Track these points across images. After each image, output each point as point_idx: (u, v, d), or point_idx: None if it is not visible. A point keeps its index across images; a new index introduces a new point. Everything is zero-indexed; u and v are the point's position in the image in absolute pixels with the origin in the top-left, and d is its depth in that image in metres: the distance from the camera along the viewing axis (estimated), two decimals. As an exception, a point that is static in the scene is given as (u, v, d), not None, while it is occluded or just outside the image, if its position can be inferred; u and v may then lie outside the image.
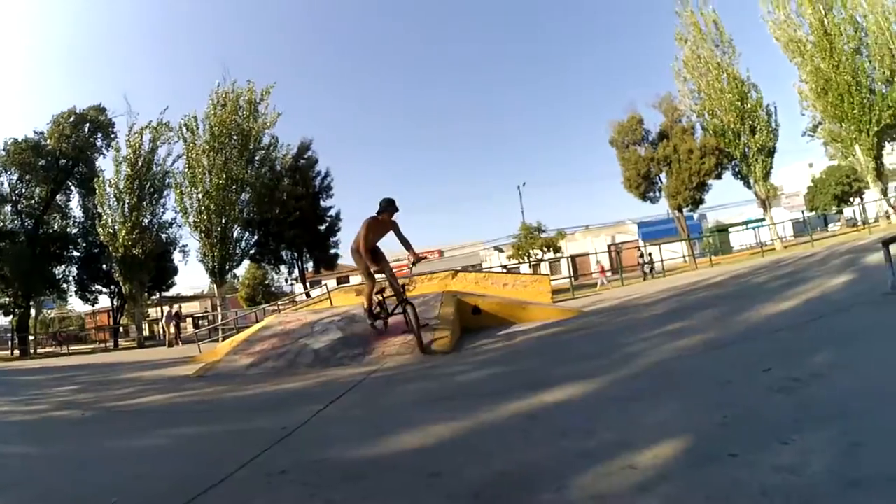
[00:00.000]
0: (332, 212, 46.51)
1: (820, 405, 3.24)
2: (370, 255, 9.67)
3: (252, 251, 41.70)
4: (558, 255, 46.49)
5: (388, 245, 10.26)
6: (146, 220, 39.13)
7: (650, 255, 36.96)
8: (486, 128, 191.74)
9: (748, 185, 40.04)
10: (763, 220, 42.91)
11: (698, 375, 4.65)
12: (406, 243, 9.80)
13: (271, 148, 40.65)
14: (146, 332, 43.68)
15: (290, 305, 29.16)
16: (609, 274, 41.81)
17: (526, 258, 44.87)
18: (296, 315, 13.47)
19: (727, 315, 8.05)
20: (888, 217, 38.82)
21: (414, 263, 10.51)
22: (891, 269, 7.14)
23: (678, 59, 41.23)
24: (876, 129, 36.49)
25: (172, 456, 4.27)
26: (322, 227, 45.41)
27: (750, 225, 50.76)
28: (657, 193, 40.28)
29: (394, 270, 10.16)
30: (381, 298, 10.25)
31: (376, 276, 10.00)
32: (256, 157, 38.84)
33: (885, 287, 7.13)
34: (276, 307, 31.08)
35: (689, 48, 40.35)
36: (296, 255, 45.20)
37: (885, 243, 7.35)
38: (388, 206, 9.50)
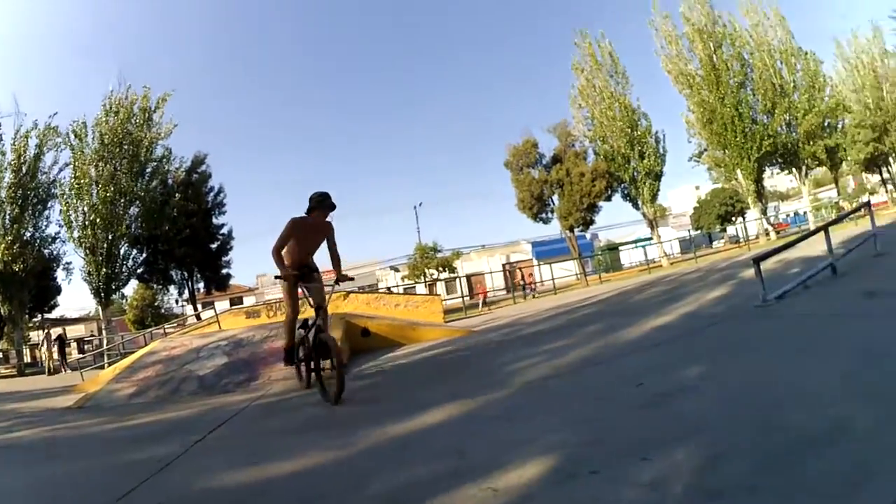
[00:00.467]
0: (225, 230, 44.51)
1: (685, 419, 3.31)
2: (296, 273, 6.87)
3: (140, 270, 39.71)
4: (454, 274, 46.77)
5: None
6: (28, 234, 35.95)
7: (531, 275, 38.03)
8: (385, 145, 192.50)
9: (636, 207, 42.31)
10: (651, 238, 44.86)
11: (574, 392, 4.71)
12: (336, 257, 7.34)
13: (164, 160, 38.88)
14: (27, 359, 41.11)
15: (177, 329, 28.02)
16: (503, 293, 42.47)
17: (422, 278, 44.99)
18: (181, 340, 12.92)
19: (609, 331, 8.23)
20: (767, 234, 41.92)
21: (336, 282, 7.28)
22: (761, 283, 7.64)
23: (574, 87, 43.41)
24: (757, 155, 39.54)
25: (43, 494, 4.05)
26: (213, 246, 43.43)
27: (639, 243, 52.60)
28: (550, 214, 41.23)
29: (325, 295, 7.22)
30: (303, 335, 7.35)
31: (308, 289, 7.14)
32: (147, 170, 37.00)
33: (756, 300, 7.57)
34: (162, 330, 29.78)
35: (585, 77, 42.48)
36: (186, 274, 42.75)
37: (756, 260, 7.84)
38: (321, 203, 6.81)
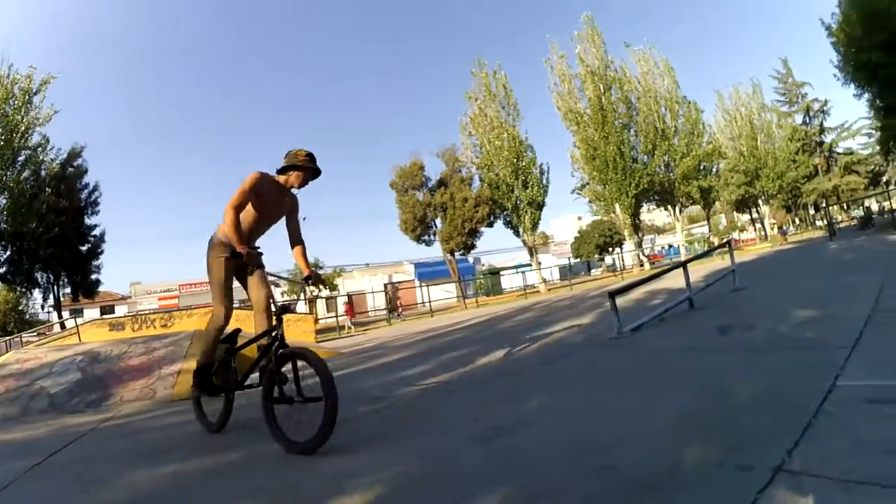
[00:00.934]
0: (97, 231, 41.71)
1: (515, 455, 3.27)
2: (259, 252, 5.03)
3: (2, 270, 36.75)
4: (335, 292, 46.19)
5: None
6: None
7: (399, 298, 38.46)
8: (271, 157, 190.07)
9: (517, 234, 43.44)
10: (531, 265, 46.05)
11: (414, 425, 4.62)
12: (302, 245, 5.27)
13: (39, 149, 35.34)
14: None
15: (38, 338, 26.20)
16: (385, 313, 42.45)
17: (302, 294, 44.29)
18: (36, 352, 12.02)
19: (467, 359, 8.22)
20: (642, 265, 44.74)
21: (307, 280, 5.02)
22: (616, 316, 7.84)
23: (466, 115, 44.15)
24: (634, 191, 42.25)
25: None
26: (84, 249, 40.64)
27: (520, 269, 53.56)
28: (432, 237, 41.62)
29: (268, 293, 5.13)
30: (224, 354, 5.33)
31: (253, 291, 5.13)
32: (20, 158, 33.34)
33: (612, 332, 7.76)
34: (20, 339, 27.75)
35: (478, 106, 43.36)
36: (52, 278, 39.58)
37: (612, 294, 8.09)
38: (305, 165, 4.91)
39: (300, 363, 4.37)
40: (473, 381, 6.26)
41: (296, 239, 5.26)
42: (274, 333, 4.70)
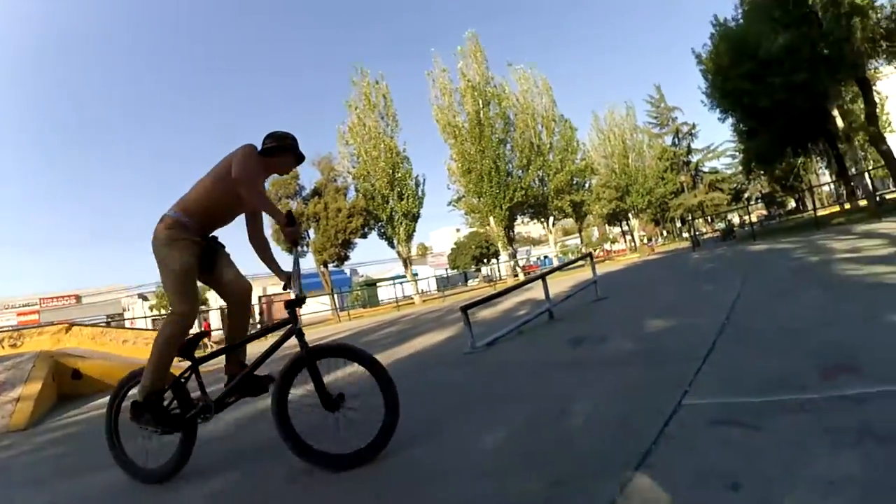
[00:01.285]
0: None
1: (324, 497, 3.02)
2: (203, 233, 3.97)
3: None
4: (205, 307, 44.77)
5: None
6: None
7: (261, 314, 39.30)
8: (147, 164, 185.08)
9: (392, 246, 43.62)
10: (405, 276, 46.34)
11: (240, 455, 4.24)
12: (265, 239, 4.37)
13: None
14: None
15: None
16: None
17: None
18: None
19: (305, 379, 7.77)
20: (516, 275, 46.55)
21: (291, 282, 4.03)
22: (469, 331, 7.62)
23: (345, 124, 43.94)
24: (509, 204, 43.57)
25: None
26: None
27: (397, 280, 53.72)
28: (305, 248, 41.00)
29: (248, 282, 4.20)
30: (177, 377, 3.98)
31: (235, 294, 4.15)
32: None
33: (467, 346, 7.54)
34: None
35: (357, 115, 43.16)
36: None
37: (464, 309, 7.93)
38: (291, 149, 4.09)
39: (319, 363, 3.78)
40: (303, 409, 5.79)
41: (259, 233, 4.31)
42: (292, 326, 3.80)
